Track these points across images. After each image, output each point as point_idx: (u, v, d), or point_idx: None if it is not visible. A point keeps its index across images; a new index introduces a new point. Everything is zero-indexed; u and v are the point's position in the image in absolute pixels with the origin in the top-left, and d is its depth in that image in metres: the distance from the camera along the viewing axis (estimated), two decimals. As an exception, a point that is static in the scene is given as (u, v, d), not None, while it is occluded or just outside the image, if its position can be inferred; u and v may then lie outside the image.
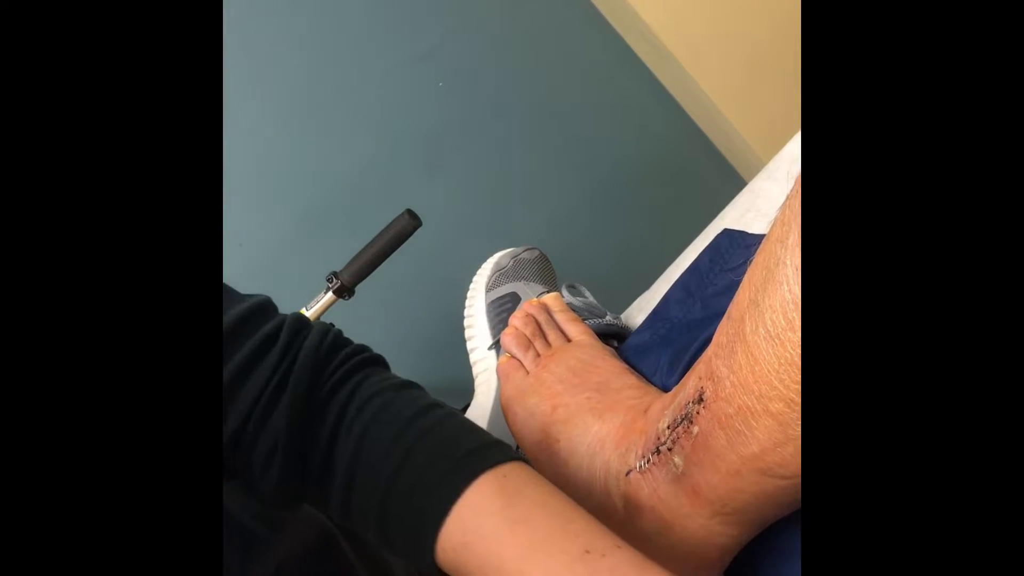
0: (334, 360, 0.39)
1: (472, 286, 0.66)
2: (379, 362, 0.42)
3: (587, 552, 0.31)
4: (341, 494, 0.36)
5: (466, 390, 0.62)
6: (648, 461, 0.39)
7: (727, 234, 0.57)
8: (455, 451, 0.35)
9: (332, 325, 0.42)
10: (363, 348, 0.42)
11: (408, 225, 0.98)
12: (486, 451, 0.35)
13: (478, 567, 0.32)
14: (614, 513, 0.41)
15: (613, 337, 0.60)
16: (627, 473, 0.40)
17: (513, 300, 0.63)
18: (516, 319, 0.55)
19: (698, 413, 0.35)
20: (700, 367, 0.36)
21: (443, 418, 0.37)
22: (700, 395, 0.35)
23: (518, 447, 0.51)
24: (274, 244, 1.34)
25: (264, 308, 0.40)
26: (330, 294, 0.98)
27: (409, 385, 0.41)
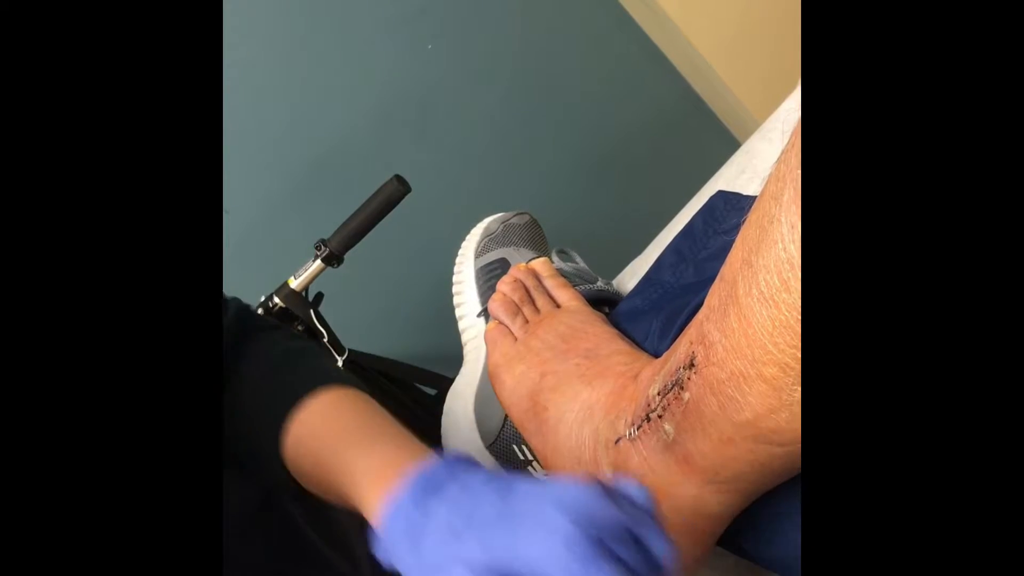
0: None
1: (460, 252, 0.65)
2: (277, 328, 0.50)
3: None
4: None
5: (456, 358, 0.61)
6: (638, 428, 0.38)
7: (721, 195, 0.56)
8: (300, 379, 0.44)
9: (237, 300, 0.50)
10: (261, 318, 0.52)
11: (397, 191, 0.97)
12: (324, 376, 0.44)
13: (309, 454, 0.41)
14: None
15: (604, 303, 0.58)
16: (616, 441, 0.39)
17: (502, 266, 0.62)
18: (504, 284, 0.54)
19: (689, 379, 0.33)
20: (691, 331, 0.35)
21: (301, 355, 0.47)
22: (691, 360, 0.33)
23: (507, 416, 0.50)
24: (261, 212, 1.32)
25: None
26: (318, 262, 0.97)
27: (294, 347, 0.48)
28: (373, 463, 0.37)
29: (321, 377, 0.43)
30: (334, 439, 0.40)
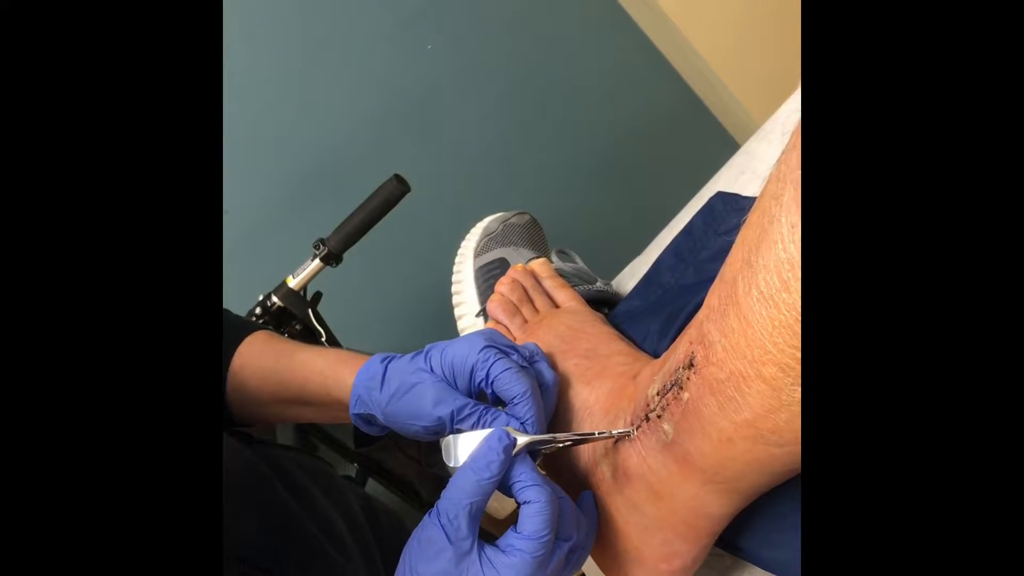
0: None
1: (460, 252, 0.65)
2: None
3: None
4: None
5: (455, 358, 0.61)
6: (637, 428, 0.38)
7: (721, 196, 0.56)
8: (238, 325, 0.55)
9: None
10: None
11: (396, 190, 0.96)
12: (250, 325, 0.56)
13: (255, 375, 0.51)
14: (602, 482, 0.40)
15: (604, 304, 0.58)
16: (615, 441, 0.39)
17: (502, 266, 0.62)
18: (502, 285, 0.54)
19: (688, 379, 0.33)
20: (691, 331, 0.35)
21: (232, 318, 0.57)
22: (691, 360, 0.33)
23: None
24: (260, 211, 1.32)
25: None
26: (317, 261, 0.97)
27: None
28: (331, 359, 0.48)
29: (247, 326, 0.55)
30: (283, 355, 0.50)
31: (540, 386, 0.41)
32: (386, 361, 0.43)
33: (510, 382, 0.39)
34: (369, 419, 0.44)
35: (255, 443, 0.55)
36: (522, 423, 0.38)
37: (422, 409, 0.40)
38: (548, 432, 0.40)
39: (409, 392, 0.41)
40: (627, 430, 0.38)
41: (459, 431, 0.39)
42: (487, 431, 0.38)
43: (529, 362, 0.42)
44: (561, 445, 0.39)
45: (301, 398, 0.49)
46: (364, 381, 0.43)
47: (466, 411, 0.39)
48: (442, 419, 0.39)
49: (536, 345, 0.43)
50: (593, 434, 0.39)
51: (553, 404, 0.42)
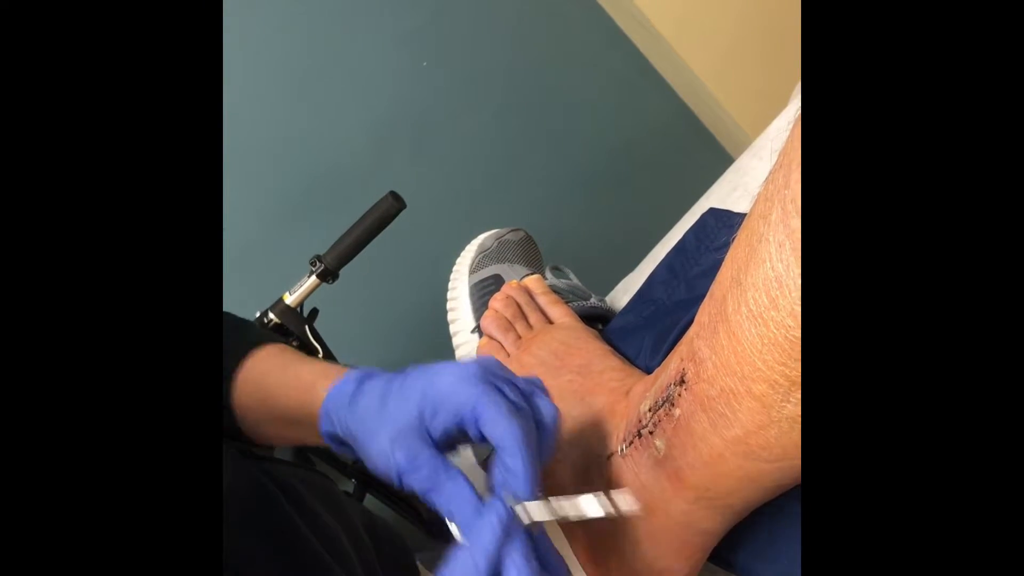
0: None
1: (455, 268, 0.65)
2: None
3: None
4: None
5: (450, 374, 0.61)
6: (629, 444, 0.38)
7: (713, 213, 0.56)
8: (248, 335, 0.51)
9: None
10: None
11: (392, 207, 0.97)
12: (257, 337, 0.51)
13: (257, 389, 0.47)
14: (596, 498, 0.40)
15: (597, 319, 0.59)
16: (608, 457, 0.39)
17: (496, 282, 0.62)
18: (496, 301, 0.54)
19: (680, 395, 0.34)
20: (682, 348, 0.35)
21: (234, 328, 0.53)
22: (682, 377, 0.34)
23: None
24: (256, 228, 1.32)
25: None
26: (313, 278, 0.97)
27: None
28: (317, 370, 0.44)
29: (255, 338, 0.51)
30: (279, 369, 0.47)
31: (538, 424, 0.36)
32: (362, 379, 0.39)
33: (499, 426, 0.33)
34: (337, 439, 0.40)
35: (255, 458, 0.55)
36: (510, 477, 0.33)
37: (379, 444, 0.35)
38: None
39: (371, 419, 0.36)
40: (634, 510, 0.35)
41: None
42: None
43: (527, 396, 0.37)
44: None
45: (285, 416, 0.45)
46: (334, 397, 0.39)
47: (420, 461, 0.34)
48: (393, 465, 0.35)
49: (540, 380, 0.39)
50: (599, 493, 0.33)
51: (552, 445, 0.37)
